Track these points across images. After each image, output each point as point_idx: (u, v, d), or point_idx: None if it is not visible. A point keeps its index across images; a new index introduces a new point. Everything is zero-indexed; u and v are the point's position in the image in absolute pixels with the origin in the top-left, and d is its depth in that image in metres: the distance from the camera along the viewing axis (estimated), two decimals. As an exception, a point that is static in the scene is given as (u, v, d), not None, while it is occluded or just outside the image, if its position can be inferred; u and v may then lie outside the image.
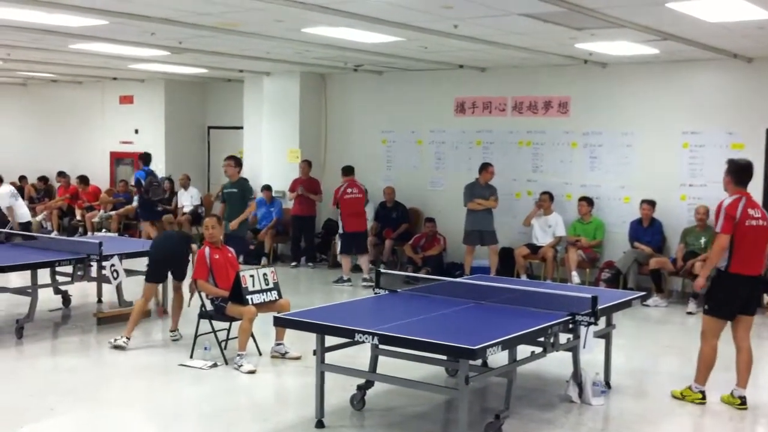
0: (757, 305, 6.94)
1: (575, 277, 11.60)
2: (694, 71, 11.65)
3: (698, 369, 6.90)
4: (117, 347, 8.31)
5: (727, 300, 6.74)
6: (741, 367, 6.82)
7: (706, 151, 11.55)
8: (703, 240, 11.07)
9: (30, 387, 7.16)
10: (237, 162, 10.97)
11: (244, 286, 7.73)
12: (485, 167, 12.27)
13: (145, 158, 15.26)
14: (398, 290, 7.30)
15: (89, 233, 16.39)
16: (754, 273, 6.70)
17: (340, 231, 12.74)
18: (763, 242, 6.74)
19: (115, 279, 9.35)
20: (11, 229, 11.86)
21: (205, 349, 7.95)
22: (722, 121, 11.45)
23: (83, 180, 17.51)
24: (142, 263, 10.26)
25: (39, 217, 16.98)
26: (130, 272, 9.65)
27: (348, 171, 12.73)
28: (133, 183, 15.89)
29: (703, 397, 6.86)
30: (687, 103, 11.73)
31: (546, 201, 12.32)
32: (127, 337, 8.42)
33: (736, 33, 9.12)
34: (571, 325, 6.29)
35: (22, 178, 19.16)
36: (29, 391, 7.00)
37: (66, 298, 10.31)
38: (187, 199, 16.44)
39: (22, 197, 18.30)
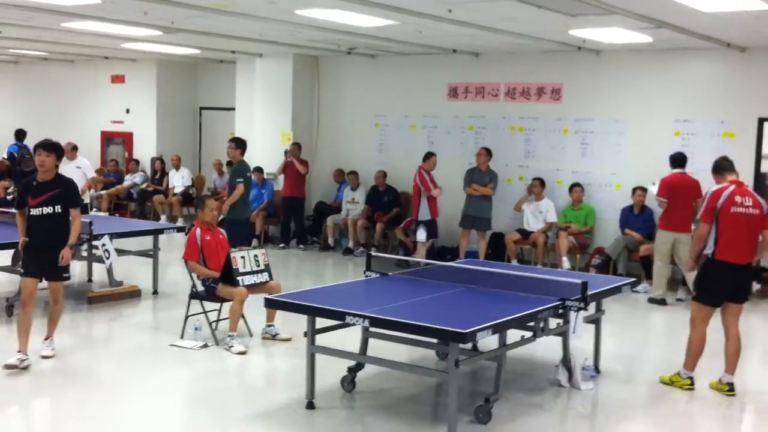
0: (746, 293, 6.98)
1: (566, 263, 11.64)
2: (687, 60, 11.66)
3: (687, 355, 6.95)
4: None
5: (715, 287, 6.79)
6: (729, 353, 6.87)
7: (698, 139, 11.58)
8: (693, 228, 11.10)
9: (20, 365, 7.16)
10: (238, 143, 10.65)
11: (234, 267, 7.74)
12: (478, 152, 12.37)
13: (19, 134, 16.78)
14: (389, 273, 7.32)
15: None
16: (741, 261, 6.73)
17: None
18: (752, 230, 6.77)
19: (107, 259, 9.33)
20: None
21: (196, 329, 7.95)
22: (714, 109, 11.48)
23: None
24: (133, 243, 10.29)
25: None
26: (121, 252, 9.64)
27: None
28: (5, 156, 17.33)
29: (692, 383, 6.92)
30: (680, 91, 11.75)
31: (538, 187, 12.35)
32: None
33: (730, 22, 9.12)
34: (561, 310, 6.33)
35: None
36: (18, 371, 6.99)
37: (56, 277, 10.28)
38: (178, 180, 16.42)
39: (11, 176, 18.34)
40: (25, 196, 7.01)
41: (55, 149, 7.00)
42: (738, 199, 6.69)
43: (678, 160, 10.63)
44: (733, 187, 6.74)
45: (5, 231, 9.72)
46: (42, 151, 6.94)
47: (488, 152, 12.38)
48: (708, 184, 7.17)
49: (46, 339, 7.35)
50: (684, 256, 10.25)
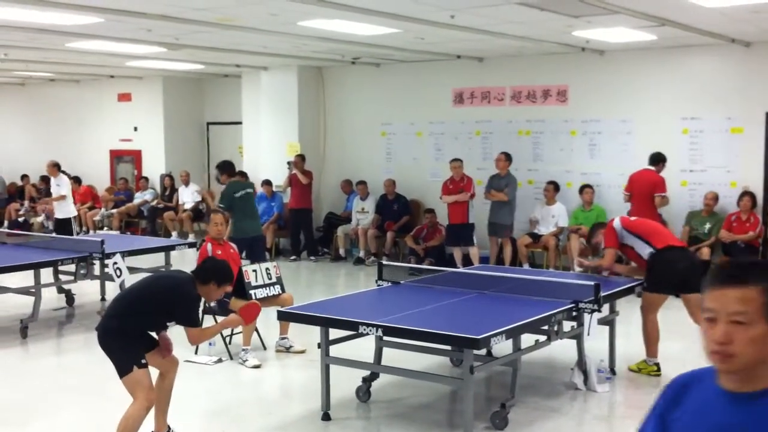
0: (699, 283, 7.03)
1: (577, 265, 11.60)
2: (692, 57, 11.63)
3: (646, 343, 7.31)
4: None
5: (665, 275, 7.14)
6: None
7: (705, 136, 11.53)
8: (707, 226, 11.07)
9: (36, 386, 7.17)
10: (220, 169, 10.50)
11: (247, 281, 7.74)
12: (497, 157, 12.46)
13: None
14: (401, 282, 7.32)
15: (91, 231, 16.43)
16: (680, 244, 7.39)
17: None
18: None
19: (118, 277, 9.33)
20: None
21: (210, 344, 7.95)
22: (721, 106, 11.43)
23: (75, 180, 17.57)
24: (144, 261, 10.30)
25: (40, 218, 16.99)
26: (132, 270, 9.65)
27: None
28: None
29: (658, 369, 7.23)
30: (686, 88, 11.71)
31: (550, 191, 12.33)
32: None
33: (733, 17, 9.10)
34: (574, 313, 6.32)
35: (24, 177, 19.17)
36: (35, 390, 7.02)
37: (69, 297, 10.32)
38: (188, 196, 16.46)
39: (23, 197, 18.45)
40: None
41: None
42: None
43: (651, 158, 11.11)
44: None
45: (20, 252, 9.80)
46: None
47: (507, 157, 12.32)
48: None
49: None
50: None
